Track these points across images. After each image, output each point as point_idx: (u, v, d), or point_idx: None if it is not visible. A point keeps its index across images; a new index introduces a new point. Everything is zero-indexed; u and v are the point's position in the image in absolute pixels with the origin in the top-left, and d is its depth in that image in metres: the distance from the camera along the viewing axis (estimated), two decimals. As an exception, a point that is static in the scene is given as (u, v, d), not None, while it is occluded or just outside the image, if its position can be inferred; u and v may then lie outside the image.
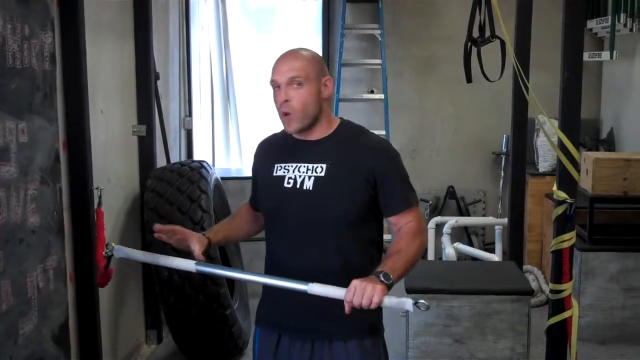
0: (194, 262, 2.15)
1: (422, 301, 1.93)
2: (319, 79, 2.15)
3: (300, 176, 2.16)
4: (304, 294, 2.01)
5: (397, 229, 2.19)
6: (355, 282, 1.93)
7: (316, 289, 2.00)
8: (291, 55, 2.17)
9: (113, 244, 2.24)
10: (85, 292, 3.21)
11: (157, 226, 2.22)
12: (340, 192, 2.13)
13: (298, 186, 2.15)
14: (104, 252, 2.24)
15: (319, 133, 2.19)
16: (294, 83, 2.11)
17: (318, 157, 2.16)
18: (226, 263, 4.40)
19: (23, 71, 2.32)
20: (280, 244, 2.21)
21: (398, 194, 2.18)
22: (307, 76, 2.12)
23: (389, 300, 1.94)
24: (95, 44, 3.45)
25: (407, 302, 1.92)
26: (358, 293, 1.91)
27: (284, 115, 2.14)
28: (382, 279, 1.95)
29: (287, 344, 2.23)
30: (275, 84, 2.14)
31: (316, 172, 2.14)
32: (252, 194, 2.41)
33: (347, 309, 1.94)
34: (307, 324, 2.19)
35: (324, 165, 2.15)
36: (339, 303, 2.07)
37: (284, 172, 2.18)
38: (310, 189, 2.13)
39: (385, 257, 2.11)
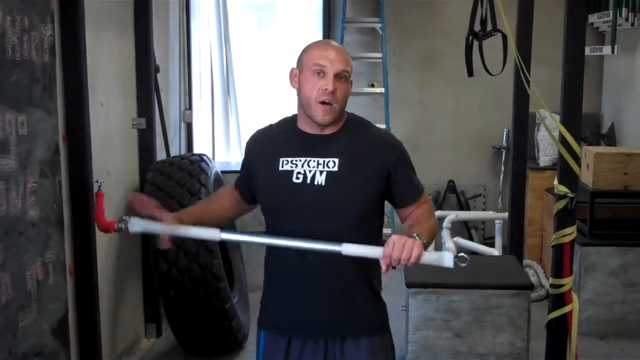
0: (219, 230, 2.09)
1: (463, 254, 1.90)
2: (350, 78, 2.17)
3: (310, 171, 2.12)
4: (315, 286, 2.07)
5: (409, 214, 2.20)
6: (394, 237, 1.91)
7: (350, 249, 1.97)
8: (339, 47, 2.16)
9: (127, 217, 2.11)
10: (85, 286, 3.21)
11: (130, 195, 2.13)
12: (353, 186, 2.12)
13: (309, 181, 2.11)
14: (116, 227, 2.12)
15: (332, 127, 2.16)
16: (342, 75, 2.10)
17: (329, 152, 2.13)
18: (226, 258, 4.39)
19: (23, 63, 2.31)
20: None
21: (411, 185, 2.20)
22: (350, 73, 2.14)
23: (428, 256, 1.91)
24: (95, 37, 3.44)
25: (447, 257, 1.89)
26: (398, 246, 1.88)
27: (322, 103, 2.08)
28: (416, 238, 1.94)
29: (298, 346, 2.20)
30: (321, 70, 2.08)
31: (328, 167, 2.12)
32: (241, 182, 2.34)
33: (384, 267, 1.92)
34: (320, 325, 2.18)
35: (337, 160, 2.12)
36: (349, 301, 2.13)
37: (292, 167, 2.14)
38: (323, 183, 2.10)
39: (407, 227, 2.09)
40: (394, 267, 1.92)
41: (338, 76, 2.08)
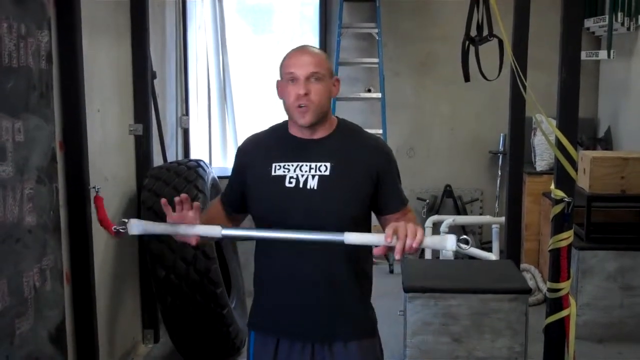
0: (220, 226, 2.06)
1: (465, 236, 1.88)
2: (331, 78, 2.17)
3: (302, 175, 2.13)
4: (307, 288, 2.09)
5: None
6: (394, 222, 1.93)
7: (352, 237, 1.95)
8: (309, 50, 2.17)
9: (126, 220, 2.07)
10: (82, 292, 3.20)
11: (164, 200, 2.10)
12: (345, 190, 2.13)
13: (301, 185, 2.13)
14: (113, 228, 2.11)
15: (322, 132, 2.19)
16: (313, 77, 2.11)
17: (321, 156, 2.15)
18: (223, 263, 4.39)
19: (19, 70, 2.31)
20: (281, 244, 2.15)
21: (398, 193, 2.23)
22: (325, 73, 2.14)
23: (431, 239, 1.89)
24: (92, 43, 3.44)
25: (449, 240, 1.87)
26: (402, 229, 1.88)
27: (299, 107, 2.11)
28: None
29: (286, 347, 2.21)
30: (292, 77, 2.11)
31: (320, 171, 2.13)
32: (229, 194, 2.31)
33: (382, 249, 1.91)
34: (308, 327, 2.19)
35: (328, 164, 2.13)
36: (339, 304, 2.14)
37: (284, 172, 2.15)
38: (315, 188, 2.12)
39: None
40: (395, 259, 1.91)
41: (309, 79, 2.10)
